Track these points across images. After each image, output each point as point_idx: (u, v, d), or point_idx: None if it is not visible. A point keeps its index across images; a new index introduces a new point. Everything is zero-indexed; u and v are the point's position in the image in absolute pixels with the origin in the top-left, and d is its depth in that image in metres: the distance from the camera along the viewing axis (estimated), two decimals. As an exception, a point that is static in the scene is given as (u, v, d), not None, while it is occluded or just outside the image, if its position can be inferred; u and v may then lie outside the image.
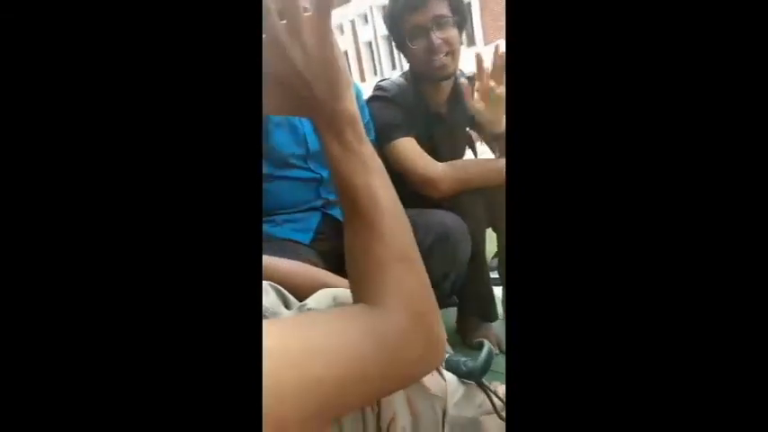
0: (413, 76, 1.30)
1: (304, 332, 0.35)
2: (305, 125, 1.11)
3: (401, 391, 0.50)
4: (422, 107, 1.31)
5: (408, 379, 0.41)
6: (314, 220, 1.10)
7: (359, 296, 0.41)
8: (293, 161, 1.11)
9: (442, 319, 0.42)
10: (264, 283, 0.58)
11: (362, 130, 0.44)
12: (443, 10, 1.20)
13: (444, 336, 0.42)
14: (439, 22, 1.19)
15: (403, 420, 0.50)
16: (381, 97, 1.27)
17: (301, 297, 0.59)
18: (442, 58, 1.21)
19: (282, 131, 1.11)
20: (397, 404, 0.50)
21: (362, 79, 15.54)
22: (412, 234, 0.42)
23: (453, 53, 1.22)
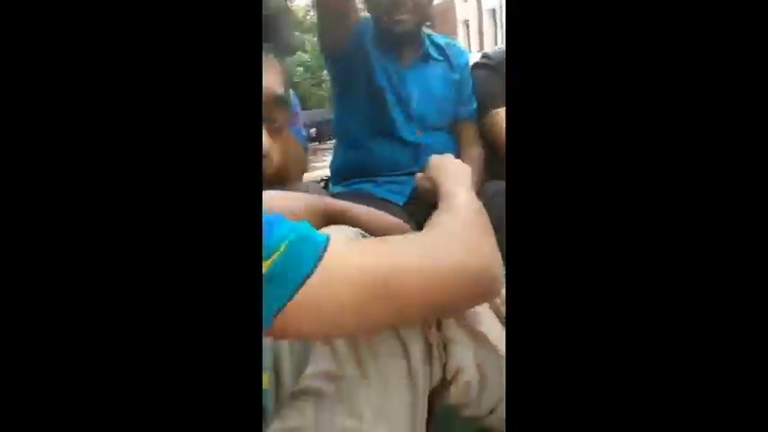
0: None
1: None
2: (411, 91, 1.15)
3: (471, 348, 0.53)
4: None
5: (452, 306, 0.46)
6: (410, 185, 1.14)
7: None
8: (398, 125, 1.16)
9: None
10: (350, 230, 0.61)
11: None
12: None
13: (501, 272, 0.46)
14: None
15: (468, 375, 0.52)
16: (486, 65, 1.26)
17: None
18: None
19: (391, 95, 1.16)
20: (465, 359, 0.52)
21: (481, 47, 15.04)
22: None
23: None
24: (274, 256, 0.37)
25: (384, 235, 0.59)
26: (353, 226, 0.60)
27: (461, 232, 0.47)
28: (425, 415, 0.50)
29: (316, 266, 0.38)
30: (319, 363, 0.46)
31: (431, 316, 0.50)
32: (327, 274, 0.38)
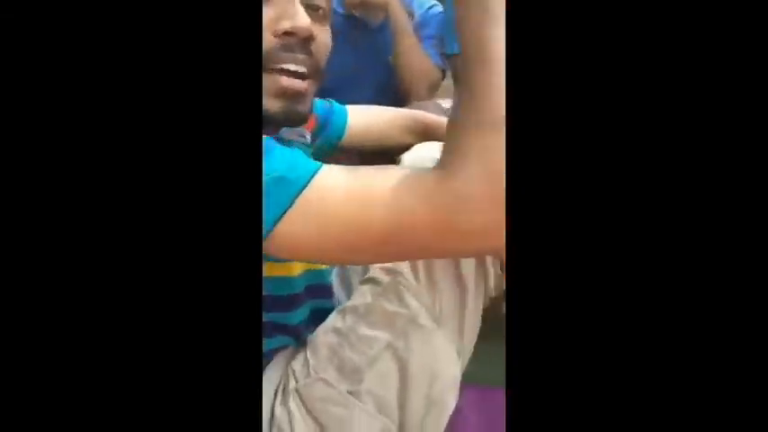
0: None
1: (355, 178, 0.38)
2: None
3: None
4: None
5: (470, 245, 0.39)
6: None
7: (441, 158, 0.39)
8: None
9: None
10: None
11: None
12: None
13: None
14: None
15: None
16: None
17: None
18: None
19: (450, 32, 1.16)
20: None
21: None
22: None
23: None
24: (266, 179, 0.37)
25: None
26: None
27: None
28: (477, 321, 0.55)
29: (302, 189, 0.38)
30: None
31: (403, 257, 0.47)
32: (313, 196, 0.38)
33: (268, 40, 0.45)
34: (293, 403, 0.53)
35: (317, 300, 0.60)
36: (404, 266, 0.51)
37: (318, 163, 0.40)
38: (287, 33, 0.45)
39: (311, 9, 0.47)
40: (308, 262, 0.58)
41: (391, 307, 0.50)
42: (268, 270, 0.53)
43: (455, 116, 0.39)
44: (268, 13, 0.44)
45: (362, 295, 0.53)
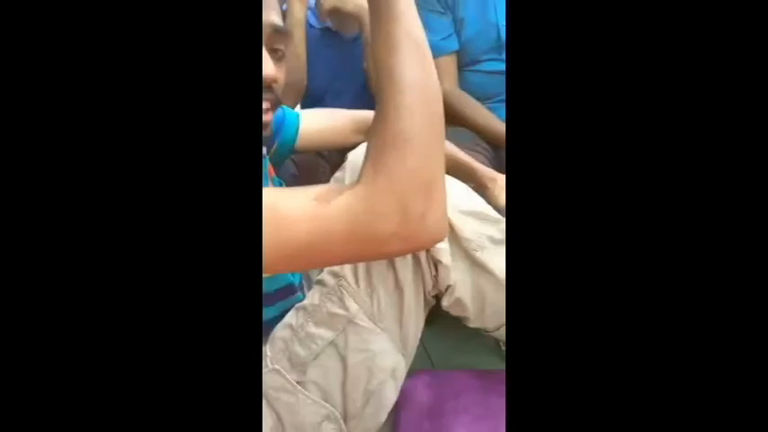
0: None
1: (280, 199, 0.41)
2: (499, 15, 1.13)
3: (463, 270, 0.58)
4: None
5: (380, 252, 0.45)
6: (502, 112, 1.16)
7: (360, 172, 0.42)
8: (487, 55, 1.16)
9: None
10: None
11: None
12: None
13: (437, 217, 0.43)
14: None
15: (459, 293, 0.59)
16: None
17: None
18: None
19: (476, 24, 1.15)
20: (456, 279, 0.58)
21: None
22: (435, 107, 0.42)
23: None
24: None
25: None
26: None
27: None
28: (418, 318, 0.60)
29: None
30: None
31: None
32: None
33: None
34: None
35: (285, 300, 0.66)
36: (347, 271, 0.57)
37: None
38: None
39: (273, 53, 0.53)
40: None
41: (333, 308, 0.56)
42: None
43: (369, 134, 0.44)
44: None
45: (312, 295, 0.59)
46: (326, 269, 0.58)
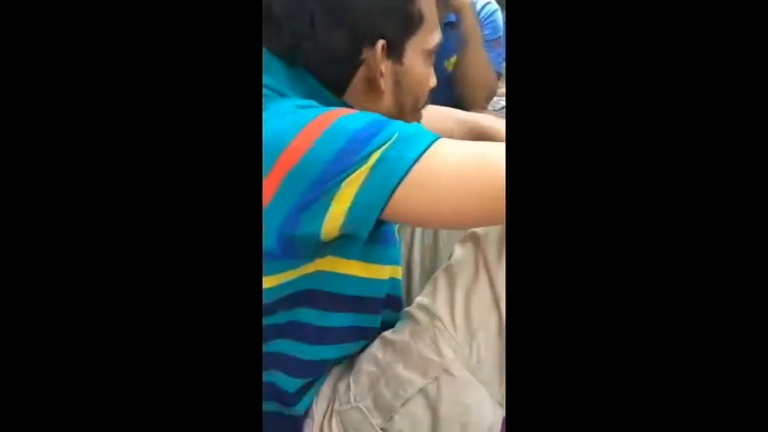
0: None
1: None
2: None
3: None
4: None
5: None
6: None
7: None
8: None
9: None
10: None
11: None
12: None
13: None
14: None
15: None
16: None
17: None
18: None
19: None
20: None
21: None
22: None
23: None
24: (388, 143, 0.43)
25: None
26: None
27: None
28: None
29: (424, 152, 0.43)
30: (425, 295, 0.53)
31: None
32: (434, 159, 0.43)
33: None
34: (335, 422, 0.55)
35: (391, 310, 0.61)
36: (443, 310, 0.50)
37: (435, 134, 0.45)
38: None
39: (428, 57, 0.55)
40: (423, 226, 0.65)
41: (426, 351, 0.50)
42: (365, 272, 0.53)
43: None
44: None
45: (401, 331, 0.53)
46: (417, 303, 0.52)
